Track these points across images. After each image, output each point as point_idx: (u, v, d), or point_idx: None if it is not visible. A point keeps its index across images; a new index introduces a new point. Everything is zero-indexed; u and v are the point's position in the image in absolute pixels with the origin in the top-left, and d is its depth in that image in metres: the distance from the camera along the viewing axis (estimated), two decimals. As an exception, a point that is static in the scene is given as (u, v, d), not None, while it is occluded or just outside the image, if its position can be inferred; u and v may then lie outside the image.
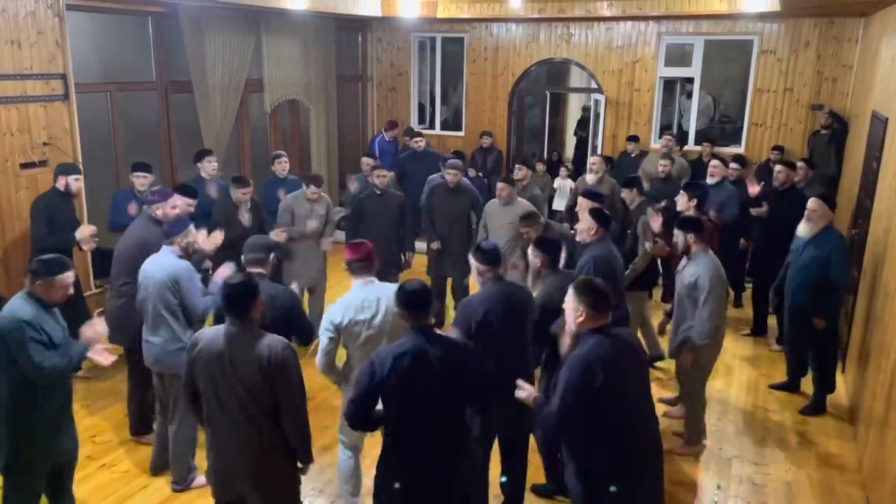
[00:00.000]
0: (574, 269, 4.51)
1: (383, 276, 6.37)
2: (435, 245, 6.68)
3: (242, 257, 3.96)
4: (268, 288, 3.72)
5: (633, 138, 9.25)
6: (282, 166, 6.96)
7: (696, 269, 4.57)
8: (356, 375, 3.23)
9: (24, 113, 6.02)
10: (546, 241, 4.24)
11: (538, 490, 4.39)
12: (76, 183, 5.53)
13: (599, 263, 4.40)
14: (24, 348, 3.25)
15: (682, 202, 5.75)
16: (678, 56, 9.85)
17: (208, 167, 6.48)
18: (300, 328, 3.90)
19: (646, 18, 9.30)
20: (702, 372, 4.79)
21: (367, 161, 7.44)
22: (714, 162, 6.82)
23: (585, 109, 13.20)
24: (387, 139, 9.58)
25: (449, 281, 6.83)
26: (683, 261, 4.79)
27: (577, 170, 10.71)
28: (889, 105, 5.50)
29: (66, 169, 5.57)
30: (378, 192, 6.44)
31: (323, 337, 3.67)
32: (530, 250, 4.22)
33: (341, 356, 3.79)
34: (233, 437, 3.05)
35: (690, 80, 10.34)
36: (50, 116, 6.22)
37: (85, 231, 5.35)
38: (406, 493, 3.02)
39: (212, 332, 3.09)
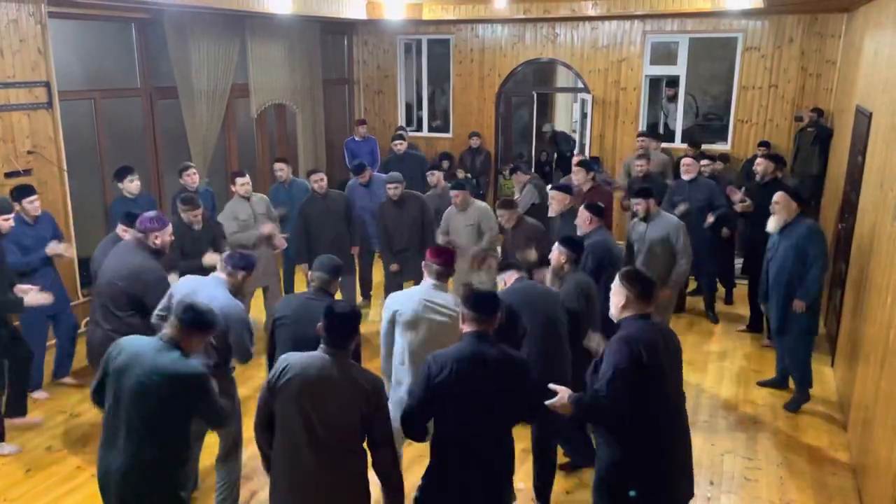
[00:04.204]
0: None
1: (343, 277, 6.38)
2: (394, 268, 6.53)
3: (309, 274, 3.95)
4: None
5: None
6: (191, 178, 6.41)
7: (664, 225, 5.63)
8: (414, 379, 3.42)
9: (8, 122, 5.97)
10: (573, 239, 4.40)
11: (564, 469, 4.44)
12: (6, 223, 4.86)
13: (598, 250, 4.74)
14: (210, 399, 3.04)
15: (581, 177, 6.65)
16: (664, 54, 9.90)
17: (130, 186, 6.04)
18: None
19: (630, 17, 9.33)
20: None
21: (279, 166, 7.14)
22: (685, 160, 7.09)
23: (545, 131, 12.82)
24: (357, 138, 9.44)
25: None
26: (640, 224, 5.73)
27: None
28: (873, 99, 5.54)
29: None
30: (319, 195, 6.37)
31: (382, 323, 3.90)
32: (556, 248, 4.33)
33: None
34: (313, 475, 2.87)
35: (671, 85, 10.39)
36: (34, 125, 6.17)
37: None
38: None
39: (305, 360, 2.89)
